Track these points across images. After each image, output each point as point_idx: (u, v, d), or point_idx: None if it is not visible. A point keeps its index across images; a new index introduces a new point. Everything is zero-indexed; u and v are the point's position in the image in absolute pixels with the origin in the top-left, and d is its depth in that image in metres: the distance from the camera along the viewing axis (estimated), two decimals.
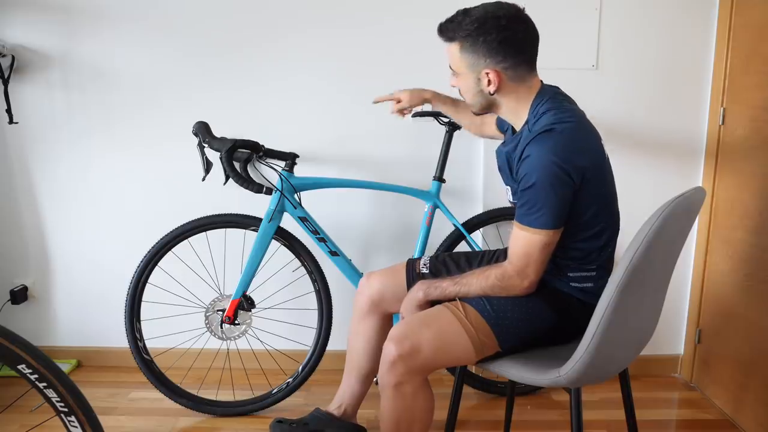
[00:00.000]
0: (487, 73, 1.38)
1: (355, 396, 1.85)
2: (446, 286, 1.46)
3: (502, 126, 1.66)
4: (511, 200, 1.49)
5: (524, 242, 1.35)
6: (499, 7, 1.37)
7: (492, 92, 1.40)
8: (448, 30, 1.39)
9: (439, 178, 2.12)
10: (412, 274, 1.67)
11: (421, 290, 1.49)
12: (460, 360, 1.42)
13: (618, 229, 1.48)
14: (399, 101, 1.91)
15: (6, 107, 2.21)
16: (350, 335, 1.83)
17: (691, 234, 2.28)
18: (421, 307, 1.48)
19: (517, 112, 1.44)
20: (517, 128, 1.45)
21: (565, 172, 1.30)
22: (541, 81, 1.47)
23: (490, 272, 1.40)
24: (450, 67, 1.46)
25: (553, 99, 1.41)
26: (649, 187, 2.27)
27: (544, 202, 1.31)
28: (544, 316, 1.42)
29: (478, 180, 2.29)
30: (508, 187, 1.50)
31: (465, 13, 1.37)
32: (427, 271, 1.67)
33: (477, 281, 1.41)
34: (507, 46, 1.36)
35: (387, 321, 1.79)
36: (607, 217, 1.43)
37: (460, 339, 1.36)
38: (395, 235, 2.35)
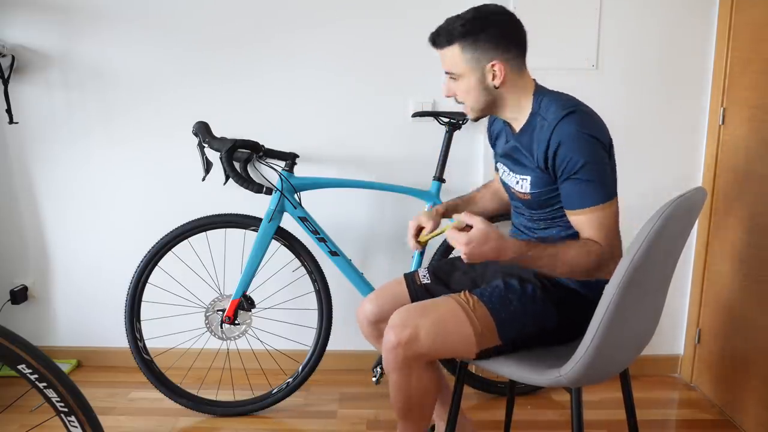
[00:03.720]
0: (493, 65, 1.39)
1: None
2: (535, 257, 1.30)
3: (493, 131, 1.64)
4: (529, 190, 1.44)
5: (600, 221, 1.33)
6: (488, 6, 1.42)
7: (497, 86, 1.41)
8: (444, 34, 1.39)
9: (439, 178, 2.12)
10: (414, 287, 1.64)
11: (494, 250, 1.27)
12: (458, 350, 1.40)
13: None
14: (421, 229, 1.62)
15: (6, 107, 2.21)
16: None
17: (691, 234, 2.28)
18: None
19: (520, 105, 1.44)
20: (518, 124, 1.45)
21: (602, 144, 1.34)
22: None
23: (590, 248, 1.31)
24: (448, 73, 1.44)
25: (551, 92, 1.46)
26: (649, 187, 2.27)
27: (601, 175, 1.32)
28: (546, 312, 1.42)
29: (478, 180, 2.29)
30: (527, 177, 1.44)
31: (457, 17, 1.39)
32: (429, 281, 1.65)
33: (576, 254, 1.31)
34: (509, 38, 1.41)
35: None
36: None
37: (461, 328, 1.36)
38: (395, 235, 2.35)
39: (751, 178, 1.98)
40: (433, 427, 1.86)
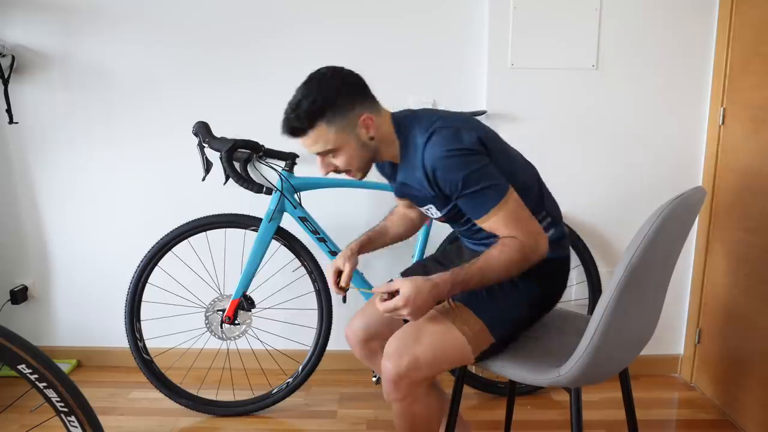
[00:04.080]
0: (363, 120, 1.37)
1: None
2: (466, 280, 1.31)
3: (384, 171, 1.63)
4: (440, 215, 1.47)
5: (506, 218, 1.33)
6: (317, 73, 1.39)
7: (372, 137, 1.39)
8: (304, 121, 1.36)
9: None
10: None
11: (432, 295, 1.29)
12: (458, 362, 1.41)
13: (536, 172, 1.51)
14: (340, 273, 1.58)
15: (6, 107, 2.21)
16: None
17: (691, 234, 2.28)
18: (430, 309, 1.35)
19: (391, 143, 1.44)
20: (397, 160, 1.46)
21: (472, 150, 1.33)
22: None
23: (510, 245, 1.33)
24: (322, 154, 1.40)
25: (404, 116, 1.45)
26: (649, 187, 2.28)
27: (485, 179, 1.32)
28: (527, 290, 1.43)
29: None
30: (430, 206, 1.47)
31: (299, 101, 1.36)
32: None
33: (500, 257, 1.32)
34: (356, 87, 1.39)
35: None
36: (523, 167, 1.47)
37: (456, 342, 1.36)
38: None
39: (751, 178, 1.98)
40: None
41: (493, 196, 1.33)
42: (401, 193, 1.52)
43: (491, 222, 1.34)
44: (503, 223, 1.34)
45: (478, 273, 1.31)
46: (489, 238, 1.41)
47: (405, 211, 1.75)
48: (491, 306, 1.40)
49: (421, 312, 1.29)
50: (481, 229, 1.42)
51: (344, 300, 1.81)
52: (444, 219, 1.49)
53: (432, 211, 1.48)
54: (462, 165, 1.31)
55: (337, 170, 1.43)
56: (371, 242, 1.68)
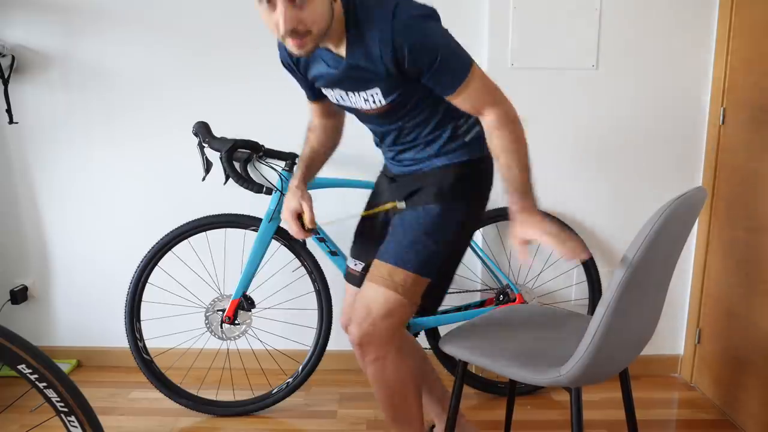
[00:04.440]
0: None
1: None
2: (517, 182, 1.31)
3: (293, 59, 1.51)
4: (383, 102, 1.37)
5: (480, 87, 1.32)
6: None
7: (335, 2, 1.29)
8: None
9: None
10: (356, 280, 1.63)
11: (534, 216, 1.26)
12: (405, 313, 1.44)
13: None
14: (301, 213, 1.52)
15: (6, 107, 2.21)
16: None
17: (691, 234, 2.28)
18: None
19: (339, 23, 1.31)
20: (340, 42, 1.33)
21: (435, 16, 1.32)
22: None
23: (497, 122, 1.34)
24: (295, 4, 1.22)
25: None
26: (649, 187, 2.28)
27: (453, 47, 1.30)
28: (451, 216, 1.44)
29: None
30: (374, 91, 1.36)
31: None
32: (361, 268, 1.63)
33: (502, 138, 1.33)
34: None
35: None
36: None
37: (391, 299, 1.40)
38: None
39: (751, 178, 1.98)
40: (432, 427, 1.86)
41: (465, 64, 1.31)
42: (335, 80, 1.38)
43: (466, 94, 1.32)
44: (477, 95, 1.32)
45: (522, 164, 1.32)
46: (412, 160, 1.44)
47: (322, 122, 1.67)
48: (416, 251, 1.41)
49: (542, 228, 1.22)
50: (406, 140, 1.44)
51: (304, 244, 1.76)
52: (385, 108, 1.39)
53: (376, 98, 1.37)
54: (433, 31, 1.29)
55: (296, 30, 1.22)
56: (310, 169, 1.62)
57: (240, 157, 2.01)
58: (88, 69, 2.25)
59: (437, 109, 1.43)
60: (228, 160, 1.89)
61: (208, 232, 2.12)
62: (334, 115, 1.67)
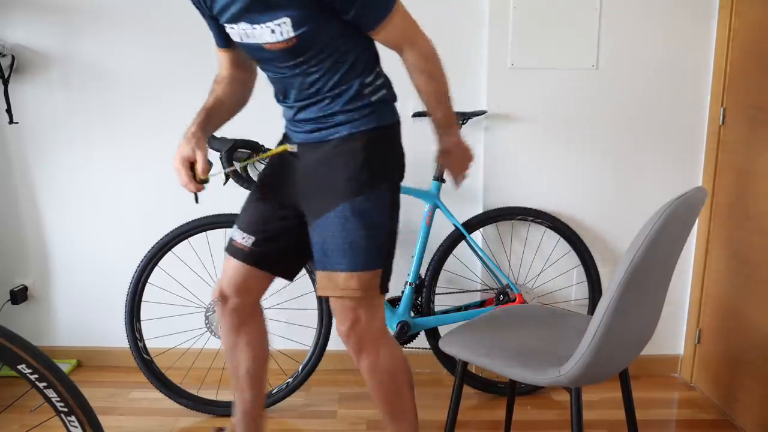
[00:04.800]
0: None
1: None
2: (438, 109, 1.47)
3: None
4: (292, 34, 1.28)
5: (399, 27, 1.35)
6: None
7: None
8: None
9: (439, 178, 2.12)
10: (243, 255, 1.53)
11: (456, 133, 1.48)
12: (374, 305, 1.45)
13: None
14: (194, 163, 1.40)
15: (6, 107, 2.21)
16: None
17: (691, 234, 2.28)
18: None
19: None
20: None
21: None
22: None
23: (420, 56, 1.38)
24: None
25: None
26: (649, 187, 2.28)
27: None
28: (379, 204, 1.40)
29: (478, 180, 2.29)
30: (281, 22, 1.27)
31: None
32: (252, 241, 1.52)
33: (424, 72, 1.40)
34: None
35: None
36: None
37: (350, 305, 1.41)
38: None
39: (751, 178, 1.98)
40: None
41: (388, 1, 1.31)
42: (240, 10, 1.30)
43: (390, 28, 1.33)
44: (400, 28, 1.35)
45: (443, 90, 1.44)
46: (314, 121, 1.41)
47: (230, 74, 1.58)
48: (356, 254, 1.37)
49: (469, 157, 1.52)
50: (309, 92, 1.38)
51: (197, 200, 1.68)
52: (289, 45, 1.30)
53: (284, 28, 1.28)
54: None
55: None
56: (210, 119, 1.50)
57: (240, 157, 2.01)
58: (88, 69, 2.25)
59: (345, 58, 1.36)
60: (228, 160, 1.89)
61: (208, 232, 2.12)
62: (243, 67, 1.58)
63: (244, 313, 1.60)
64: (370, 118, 1.40)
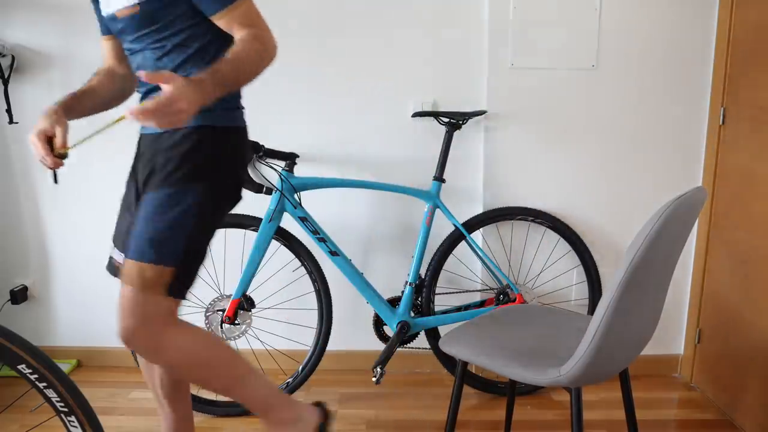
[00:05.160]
0: None
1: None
2: (220, 70, 1.22)
3: None
4: (125, 2, 1.30)
5: (248, 12, 1.31)
6: None
7: None
8: None
9: (439, 178, 2.12)
10: (116, 271, 1.49)
11: (197, 94, 1.16)
12: (156, 302, 1.32)
13: None
14: (51, 139, 1.34)
15: (6, 107, 2.21)
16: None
17: (691, 234, 2.28)
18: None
19: None
20: None
21: None
22: None
23: (251, 36, 1.28)
24: None
25: None
26: (649, 187, 2.28)
27: None
28: (189, 200, 1.32)
29: (478, 180, 2.29)
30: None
31: None
32: (123, 260, 1.43)
33: (242, 50, 1.25)
34: None
35: None
36: None
37: (134, 297, 1.29)
38: (395, 235, 2.35)
39: (751, 178, 1.98)
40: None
41: None
42: None
43: (232, 15, 1.29)
44: (244, 16, 1.30)
45: (232, 67, 1.23)
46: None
47: (111, 68, 1.57)
48: (148, 246, 1.30)
49: (186, 113, 1.15)
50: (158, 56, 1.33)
51: (55, 179, 1.59)
52: (135, 12, 1.30)
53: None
54: None
55: None
56: (79, 101, 1.46)
57: None
58: (88, 69, 2.23)
59: (189, 43, 1.34)
60: None
61: None
62: (124, 63, 1.56)
63: None
64: (205, 116, 1.33)
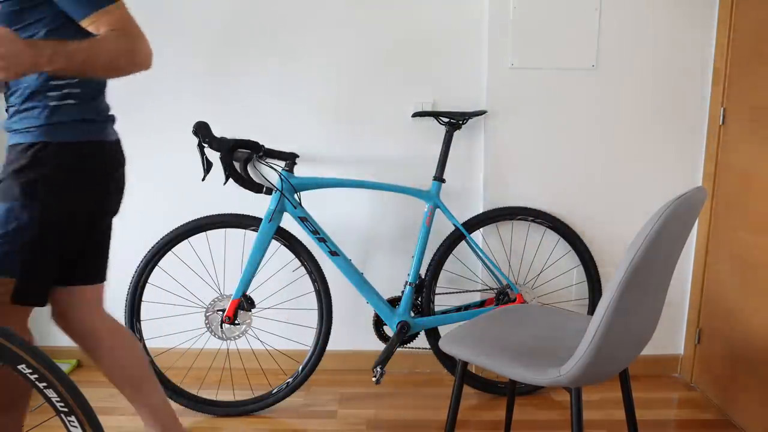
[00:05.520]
0: None
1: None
2: (71, 51, 1.18)
3: None
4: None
5: (121, 18, 1.26)
6: None
7: None
8: None
9: (439, 178, 2.12)
10: None
11: (29, 54, 1.11)
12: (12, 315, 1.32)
13: None
14: None
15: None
16: None
17: (691, 234, 2.28)
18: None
19: None
20: None
21: None
22: None
23: (111, 34, 1.24)
24: None
25: None
26: (649, 187, 2.28)
27: None
28: (29, 212, 1.30)
29: (478, 180, 2.29)
30: None
31: None
32: None
33: (105, 43, 1.22)
34: None
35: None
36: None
37: None
38: (395, 235, 2.35)
39: (751, 178, 1.98)
40: None
41: None
42: None
43: (101, 21, 1.25)
44: (117, 21, 1.26)
45: (86, 48, 1.19)
46: (12, 117, 1.31)
47: None
48: None
49: (12, 70, 1.10)
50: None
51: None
52: None
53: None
54: None
55: None
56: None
57: (240, 157, 2.01)
58: None
59: None
60: (228, 160, 1.89)
61: (208, 232, 2.12)
62: None
63: None
64: (47, 130, 1.31)
